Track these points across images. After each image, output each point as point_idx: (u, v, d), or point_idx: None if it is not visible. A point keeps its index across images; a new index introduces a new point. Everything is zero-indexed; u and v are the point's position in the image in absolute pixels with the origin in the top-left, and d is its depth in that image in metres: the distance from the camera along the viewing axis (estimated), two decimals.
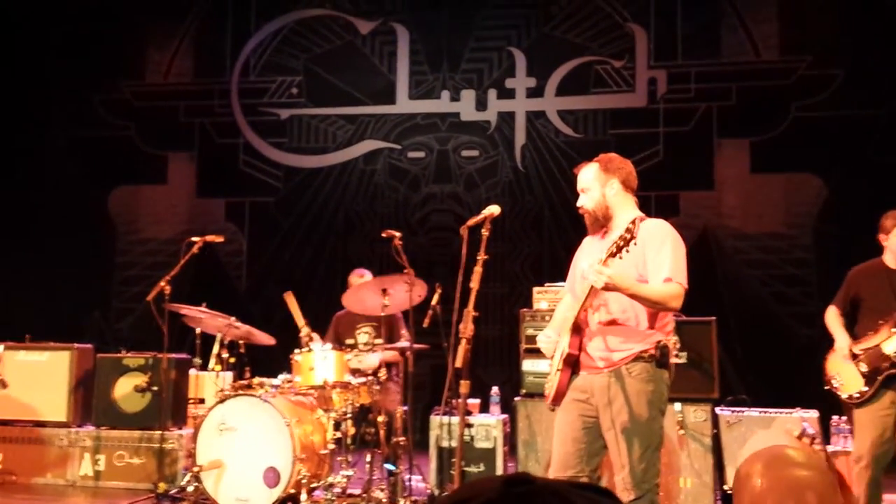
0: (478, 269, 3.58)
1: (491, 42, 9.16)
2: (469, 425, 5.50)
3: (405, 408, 5.43)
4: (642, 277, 3.35)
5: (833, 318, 4.71)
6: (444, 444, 5.52)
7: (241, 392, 5.30)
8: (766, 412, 5.35)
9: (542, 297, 5.83)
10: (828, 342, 4.75)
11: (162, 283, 5.63)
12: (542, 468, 5.14)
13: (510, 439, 5.73)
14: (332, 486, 5.17)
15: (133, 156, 9.59)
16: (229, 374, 5.90)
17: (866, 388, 4.43)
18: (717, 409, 5.39)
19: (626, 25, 8.85)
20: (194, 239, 5.86)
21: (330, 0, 9.44)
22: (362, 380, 5.45)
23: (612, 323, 3.42)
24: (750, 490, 4.74)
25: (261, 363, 5.86)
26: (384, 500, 5.20)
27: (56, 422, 6.44)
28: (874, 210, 4.77)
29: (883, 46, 7.98)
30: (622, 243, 3.15)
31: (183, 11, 9.69)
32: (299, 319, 5.70)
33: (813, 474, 4.70)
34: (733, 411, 5.39)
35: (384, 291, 5.43)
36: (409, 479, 5.32)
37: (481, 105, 9.12)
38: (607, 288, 3.20)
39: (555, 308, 4.02)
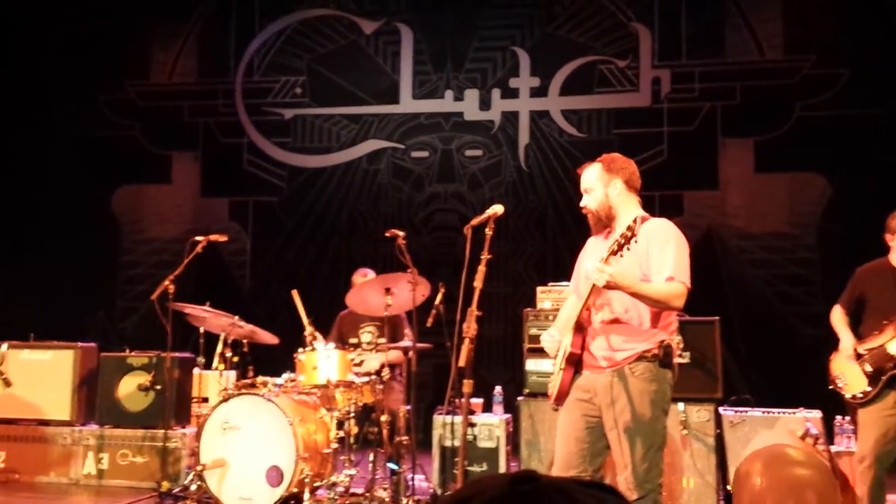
0: (481, 269, 3.59)
1: (494, 42, 9.15)
2: (472, 425, 5.50)
3: (408, 407, 5.43)
4: (646, 276, 3.35)
5: (838, 318, 4.70)
6: (447, 443, 5.53)
7: (244, 391, 5.31)
8: (769, 412, 5.34)
9: (545, 296, 5.83)
10: (832, 342, 4.74)
11: (166, 283, 5.64)
12: (545, 468, 5.13)
13: (513, 439, 5.73)
14: (334, 485, 5.18)
15: (137, 155, 9.60)
16: (233, 373, 5.91)
17: (870, 388, 4.42)
18: (721, 409, 5.38)
19: (629, 25, 8.84)
20: (198, 238, 5.86)
21: (334, 0, 9.45)
22: (365, 379, 5.45)
23: (615, 322, 3.42)
24: (750, 489, 4.74)
25: (264, 362, 5.87)
26: (387, 500, 5.20)
27: (60, 420, 6.45)
28: (879, 209, 4.76)
29: (888, 45, 7.96)
30: (623, 241, 3.15)
31: (187, 11, 9.70)
32: (304, 318, 5.71)
33: (812, 473, 4.70)
34: (736, 411, 5.39)
35: (387, 291, 5.43)
36: (412, 479, 5.32)
37: (485, 105, 9.12)
38: (609, 286, 3.20)
39: (558, 308, 4.03)
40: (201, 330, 6.04)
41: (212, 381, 6.21)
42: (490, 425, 5.60)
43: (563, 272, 5.37)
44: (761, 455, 4.86)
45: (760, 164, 8.41)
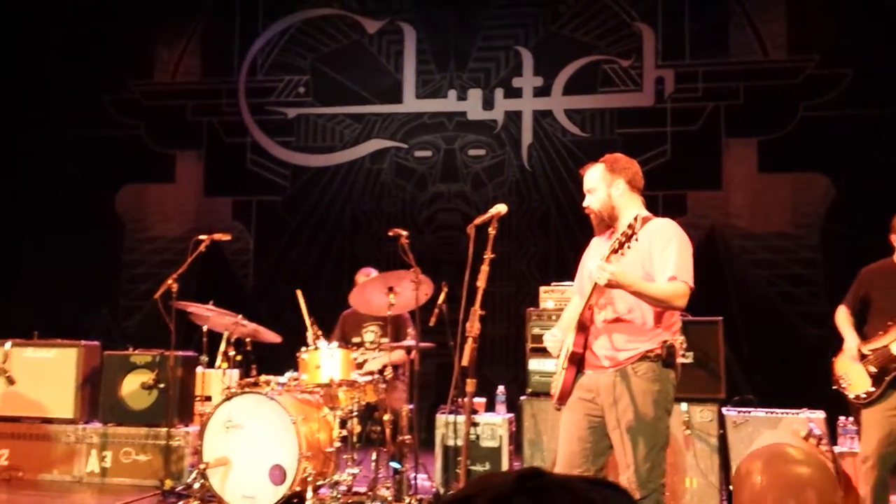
0: (485, 268, 3.59)
1: (498, 41, 9.15)
2: (475, 424, 5.51)
3: (411, 406, 5.43)
4: (649, 276, 3.35)
5: (843, 318, 4.70)
6: (450, 442, 5.53)
7: (247, 390, 5.31)
8: (772, 412, 5.34)
9: (548, 296, 5.83)
10: (835, 342, 4.73)
11: (169, 281, 5.65)
12: (548, 467, 5.12)
13: (516, 438, 5.73)
14: (337, 483, 5.18)
15: (141, 154, 9.62)
16: (236, 372, 5.91)
17: (873, 389, 4.42)
18: (724, 410, 5.38)
19: (633, 24, 8.83)
20: (201, 237, 5.87)
21: None
22: (368, 378, 5.46)
23: (618, 321, 3.41)
24: (750, 487, 4.74)
25: (267, 361, 5.87)
26: (389, 499, 5.21)
27: (63, 418, 6.46)
28: (882, 210, 4.76)
29: (891, 46, 7.95)
30: (624, 239, 3.16)
31: (191, 10, 9.72)
32: (307, 320, 5.71)
33: (813, 471, 4.70)
34: (740, 411, 5.38)
35: (390, 290, 5.43)
36: (415, 478, 5.32)
37: (488, 104, 9.12)
38: (610, 285, 3.20)
39: (561, 307, 4.03)
40: (204, 328, 6.04)
41: (215, 379, 6.22)
42: (493, 425, 5.60)
43: (566, 272, 5.37)
44: (761, 454, 4.87)
45: (764, 164, 8.40)
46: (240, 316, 5.61)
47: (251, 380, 5.47)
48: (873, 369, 4.43)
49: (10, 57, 9.39)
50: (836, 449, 5.09)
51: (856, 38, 8.19)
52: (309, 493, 5.02)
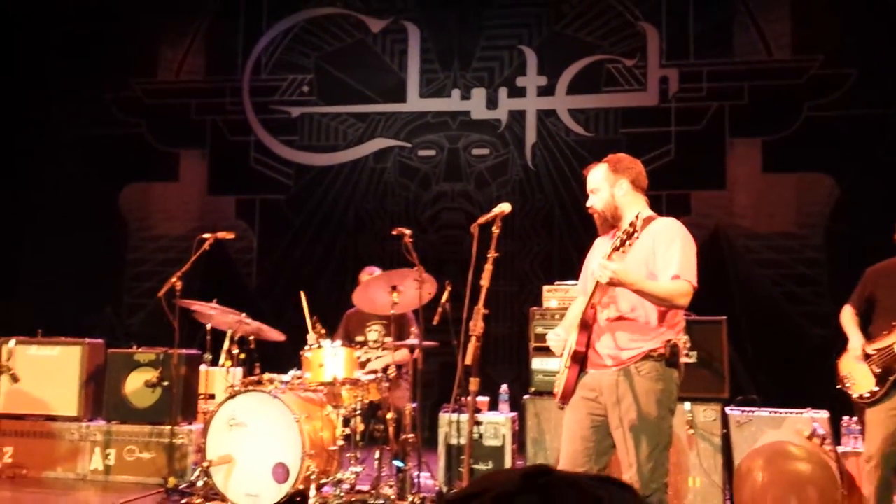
0: (488, 267, 3.59)
1: (502, 40, 9.15)
2: (478, 423, 5.51)
3: (414, 405, 5.44)
4: (652, 275, 3.34)
5: (848, 318, 4.69)
6: (453, 441, 5.53)
7: (251, 388, 5.32)
8: (776, 412, 5.33)
9: (551, 295, 5.83)
10: (839, 342, 4.73)
11: (173, 280, 5.66)
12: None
13: (519, 437, 5.73)
14: (340, 482, 5.18)
15: (145, 153, 9.63)
16: (239, 370, 5.92)
17: (877, 388, 4.41)
18: (727, 409, 5.37)
19: (637, 24, 8.83)
20: (205, 235, 5.87)
21: None
22: (372, 377, 5.46)
23: (621, 320, 3.41)
24: (751, 484, 4.75)
25: (271, 359, 5.88)
26: (392, 497, 5.21)
27: (67, 416, 6.48)
28: (886, 210, 4.75)
29: None
30: (625, 237, 3.16)
31: (195, 9, 9.73)
32: (309, 323, 5.70)
33: (814, 469, 4.70)
34: (743, 411, 5.38)
35: (394, 289, 5.43)
36: (418, 476, 5.32)
37: (492, 103, 9.12)
38: (612, 283, 3.20)
39: (564, 306, 4.03)
40: (208, 327, 6.04)
41: (218, 377, 6.22)
42: (496, 423, 5.60)
43: (569, 271, 5.37)
44: (763, 451, 4.87)
45: (768, 163, 8.39)
46: (243, 314, 5.61)
47: (255, 378, 5.48)
48: (877, 369, 4.42)
49: (10, 57, 9.40)
50: (840, 449, 5.09)
51: (860, 37, 8.17)
52: (312, 492, 5.03)
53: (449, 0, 9.28)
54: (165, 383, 6.23)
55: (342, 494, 5.14)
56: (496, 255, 3.62)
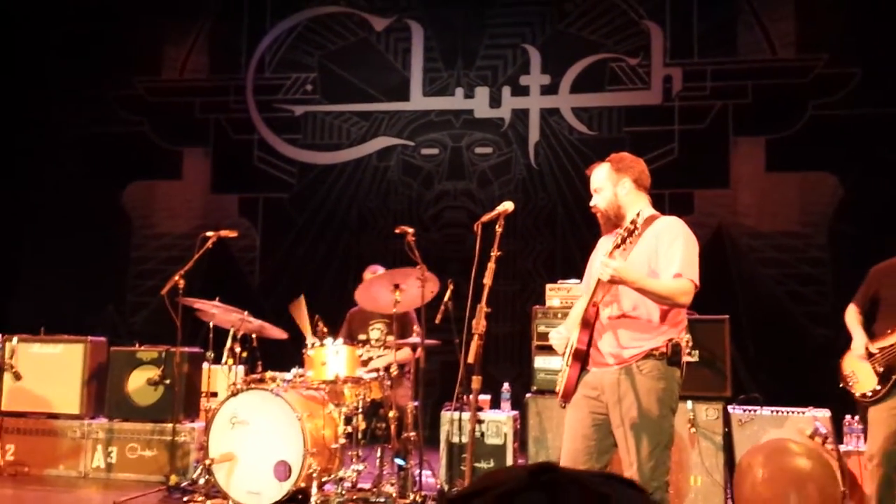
0: (491, 266, 3.59)
1: (505, 39, 9.14)
2: (480, 421, 5.50)
3: (416, 403, 5.44)
4: (654, 273, 3.34)
5: (852, 317, 4.68)
6: (455, 439, 5.52)
7: (253, 386, 5.33)
8: (778, 411, 5.32)
9: (554, 294, 5.82)
10: (842, 341, 4.72)
11: (176, 278, 5.66)
12: None
13: (520, 436, 5.73)
14: (342, 480, 5.18)
15: (148, 151, 9.64)
16: (241, 368, 5.92)
17: (880, 387, 4.41)
18: (729, 408, 5.37)
19: (641, 23, 8.81)
20: (208, 234, 5.88)
21: None
22: (374, 375, 5.46)
23: (623, 318, 3.40)
24: (751, 480, 4.75)
25: (273, 357, 5.88)
26: (394, 495, 5.21)
27: (69, 414, 6.49)
28: (890, 209, 4.76)
29: None
30: (626, 234, 3.17)
31: (199, 8, 9.74)
32: (307, 324, 5.69)
33: (814, 465, 4.70)
34: (745, 410, 5.37)
35: (396, 287, 5.43)
36: (419, 475, 5.32)
37: (495, 102, 9.11)
38: (613, 280, 3.20)
39: (567, 305, 4.02)
40: (210, 325, 6.03)
41: (221, 375, 6.21)
42: (498, 422, 5.60)
43: (572, 270, 5.37)
44: (763, 448, 4.88)
45: (772, 162, 8.37)
46: (246, 312, 5.61)
47: (257, 376, 5.48)
48: (880, 368, 4.42)
49: (10, 57, 9.41)
50: (842, 447, 5.08)
51: (865, 37, 8.15)
52: (314, 490, 5.03)
53: None
54: (167, 381, 6.24)
55: (344, 492, 5.14)
56: (499, 253, 3.62)
